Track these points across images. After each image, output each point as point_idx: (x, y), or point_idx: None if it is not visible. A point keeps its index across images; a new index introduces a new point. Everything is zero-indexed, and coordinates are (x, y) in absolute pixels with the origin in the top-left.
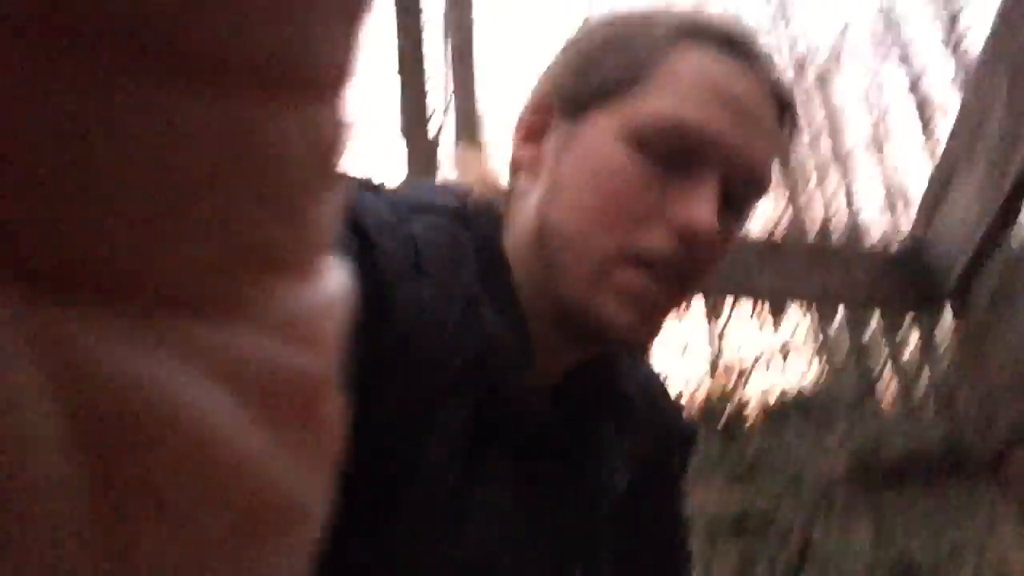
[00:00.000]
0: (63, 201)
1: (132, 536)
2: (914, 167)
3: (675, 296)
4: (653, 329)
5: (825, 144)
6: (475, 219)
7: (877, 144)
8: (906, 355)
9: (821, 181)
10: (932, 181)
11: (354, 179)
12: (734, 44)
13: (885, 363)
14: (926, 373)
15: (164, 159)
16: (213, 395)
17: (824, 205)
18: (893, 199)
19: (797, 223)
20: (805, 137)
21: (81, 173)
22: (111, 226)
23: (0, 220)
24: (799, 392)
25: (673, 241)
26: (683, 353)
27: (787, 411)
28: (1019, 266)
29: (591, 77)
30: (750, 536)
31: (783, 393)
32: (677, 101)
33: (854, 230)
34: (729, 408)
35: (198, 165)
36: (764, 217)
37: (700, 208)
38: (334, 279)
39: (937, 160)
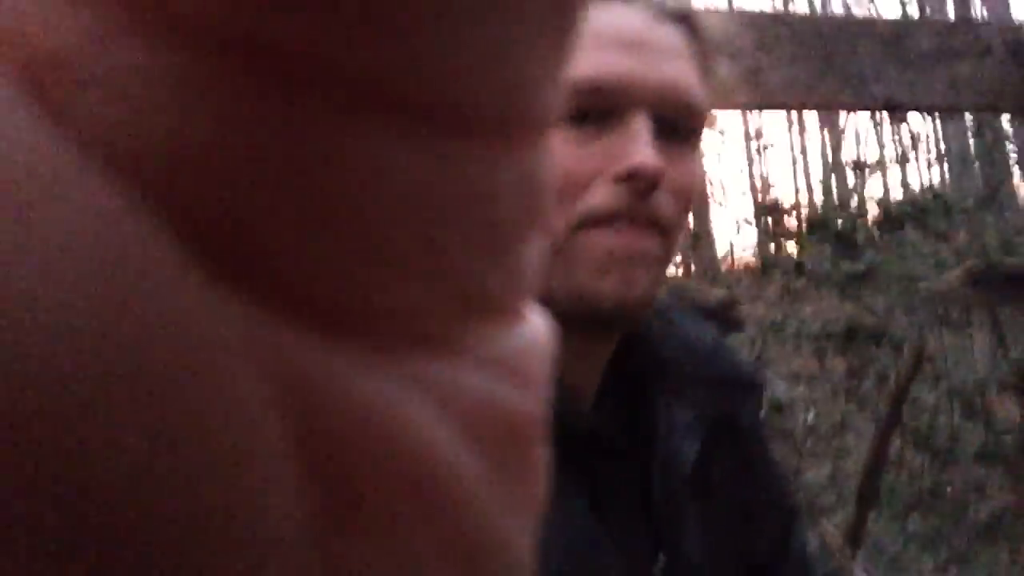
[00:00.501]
0: (290, 232)
1: (347, 556)
2: None
3: (655, 245)
4: (643, 285)
5: None
6: None
7: None
8: None
9: None
10: None
11: None
12: None
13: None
14: None
15: (376, 201)
16: (439, 423)
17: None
18: None
19: (920, 19)
20: None
21: (303, 212)
22: (332, 261)
23: (233, 242)
24: (917, 199)
25: (619, 191)
26: (797, 161)
27: (904, 219)
28: None
29: None
30: (860, 347)
31: (900, 201)
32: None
33: (984, 25)
34: (843, 216)
35: (409, 208)
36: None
37: (631, 148)
38: (537, 323)
39: None
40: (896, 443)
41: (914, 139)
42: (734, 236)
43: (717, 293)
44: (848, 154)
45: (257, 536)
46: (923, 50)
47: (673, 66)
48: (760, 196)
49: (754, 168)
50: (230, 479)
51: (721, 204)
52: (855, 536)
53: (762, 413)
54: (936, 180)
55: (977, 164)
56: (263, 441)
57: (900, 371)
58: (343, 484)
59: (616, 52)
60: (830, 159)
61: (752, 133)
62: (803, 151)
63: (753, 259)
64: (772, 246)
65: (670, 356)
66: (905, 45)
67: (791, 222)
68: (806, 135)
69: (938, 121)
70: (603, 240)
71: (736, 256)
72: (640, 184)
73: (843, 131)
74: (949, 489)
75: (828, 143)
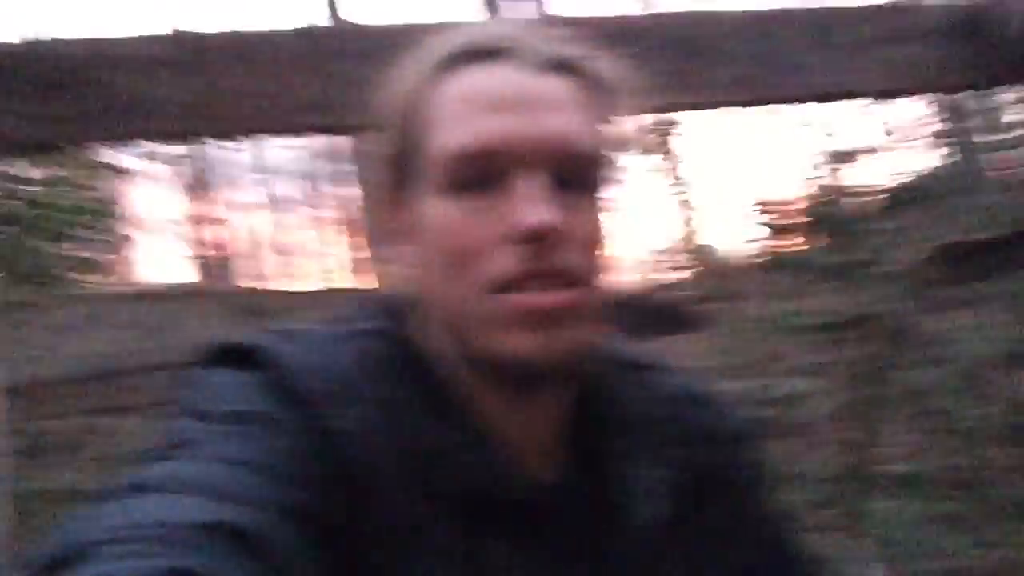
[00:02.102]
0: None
1: None
2: None
3: (570, 299)
4: (565, 341)
5: None
6: (403, 332)
7: None
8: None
9: None
10: None
11: (267, 335)
12: (479, 53)
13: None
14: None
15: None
16: None
17: None
18: None
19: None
20: None
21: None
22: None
23: None
24: (905, 184)
25: (520, 253)
26: (790, 151)
27: (895, 204)
28: None
29: (395, 159)
30: (858, 334)
31: (892, 187)
32: (452, 132)
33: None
34: (837, 206)
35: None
36: None
37: (523, 210)
38: None
39: None
40: (913, 428)
41: (903, 126)
42: (735, 233)
43: (668, 294)
44: (839, 144)
45: None
46: (854, 37)
47: (557, 118)
48: (758, 191)
49: (750, 163)
50: None
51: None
52: (856, 522)
53: (762, 463)
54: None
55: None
56: None
57: (875, 360)
58: None
59: (494, 114)
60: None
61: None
62: (796, 144)
63: (758, 256)
64: (774, 240)
65: (640, 414)
66: (834, 33)
67: (790, 216)
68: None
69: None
70: (514, 301)
71: (741, 252)
72: (538, 244)
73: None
74: (972, 473)
75: (819, 132)
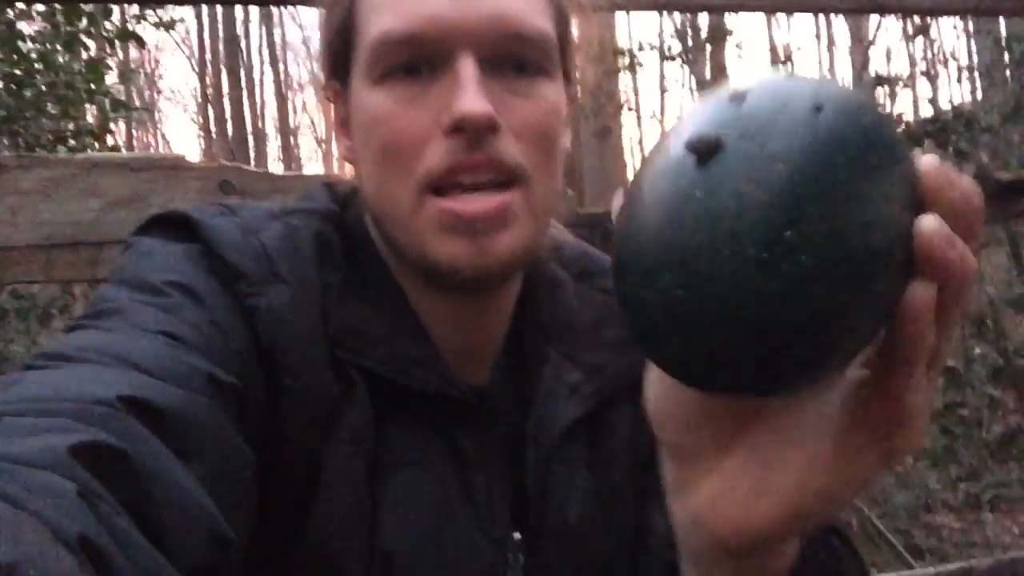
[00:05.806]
0: None
1: None
2: None
3: (510, 200)
4: (503, 245)
5: None
6: (347, 213)
7: None
8: None
9: None
10: None
11: (207, 207)
12: None
13: None
14: None
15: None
16: None
17: None
18: None
19: None
20: None
21: None
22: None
23: None
24: (939, 116)
25: (452, 145)
26: (827, 71)
27: (924, 137)
28: None
29: (331, 47)
30: None
31: (921, 118)
32: (380, 16)
33: None
34: None
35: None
36: None
37: (455, 98)
38: None
39: None
40: None
41: (944, 54)
42: None
43: None
44: (877, 70)
45: None
46: None
47: (490, 2)
48: None
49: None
50: None
51: None
52: None
53: None
54: (967, 96)
55: (1009, 79)
56: None
57: None
58: None
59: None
60: (858, 70)
61: (779, 46)
62: (831, 66)
63: None
64: None
65: (572, 319)
66: None
67: None
68: (835, 49)
69: (971, 36)
70: (446, 204)
71: None
72: (470, 134)
73: (871, 45)
74: (963, 410)
75: (856, 58)
